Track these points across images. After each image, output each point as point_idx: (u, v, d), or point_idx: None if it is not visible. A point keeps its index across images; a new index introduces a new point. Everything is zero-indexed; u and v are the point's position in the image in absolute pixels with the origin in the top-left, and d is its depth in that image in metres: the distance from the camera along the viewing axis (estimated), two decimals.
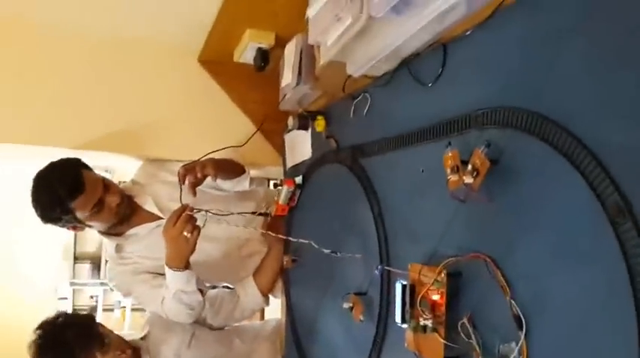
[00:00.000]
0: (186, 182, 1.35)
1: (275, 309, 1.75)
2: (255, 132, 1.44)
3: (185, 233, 1.22)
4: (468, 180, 0.76)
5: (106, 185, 1.41)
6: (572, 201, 0.64)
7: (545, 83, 0.68)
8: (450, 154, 0.80)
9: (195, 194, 1.36)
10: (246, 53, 1.48)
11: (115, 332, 1.49)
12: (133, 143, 1.59)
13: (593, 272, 0.61)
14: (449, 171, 0.80)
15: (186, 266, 1.30)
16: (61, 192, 1.33)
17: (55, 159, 1.40)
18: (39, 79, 1.51)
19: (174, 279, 1.32)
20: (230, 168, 1.51)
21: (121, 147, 1.58)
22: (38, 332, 1.33)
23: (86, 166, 1.42)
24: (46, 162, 1.38)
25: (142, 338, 1.50)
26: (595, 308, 0.61)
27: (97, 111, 1.56)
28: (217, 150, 1.35)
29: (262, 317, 2.38)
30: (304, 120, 1.27)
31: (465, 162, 0.78)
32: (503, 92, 0.75)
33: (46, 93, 1.52)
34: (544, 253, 0.68)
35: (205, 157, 1.37)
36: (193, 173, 1.34)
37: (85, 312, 1.54)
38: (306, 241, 1.04)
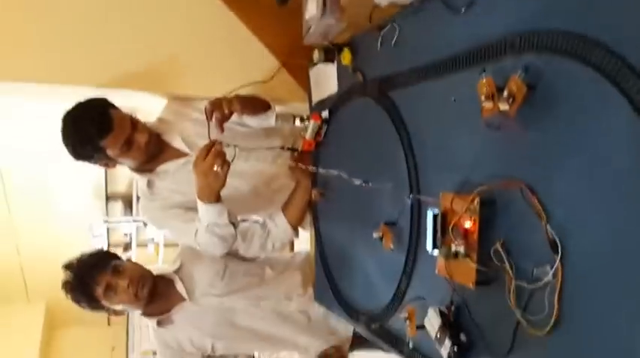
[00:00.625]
0: (214, 118, 1.35)
1: (304, 242, 1.81)
2: (279, 68, 1.41)
3: (215, 167, 1.24)
4: (504, 106, 0.75)
5: (134, 123, 1.43)
6: (614, 124, 0.63)
7: (589, 3, 0.65)
8: (484, 81, 0.79)
9: (222, 130, 1.37)
10: None
11: (149, 266, 1.57)
12: (157, 81, 1.59)
13: (634, 197, 0.61)
14: (483, 98, 0.79)
15: (218, 199, 1.34)
16: (91, 131, 1.36)
17: (82, 98, 1.41)
18: (62, 17, 1.50)
19: (207, 213, 1.36)
20: (256, 104, 1.51)
21: (145, 85, 1.58)
22: (64, 272, 1.47)
23: (113, 105, 1.43)
24: (73, 102, 1.40)
25: (175, 271, 1.58)
26: (634, 232, 0.61)
27: (120, 50, 1.55)
28: (243, 86, 1.34)
29: (292, 249, 2.45)
30: (330, 53, 1.25)
31: (500, 90, 0.77)
32: (543, 15, 0.73)
33: (69, 32, 1.51)
34: (582, 178, 0.67)
35: (231, 93, 1.37)
36: (220, 109, 1.35)
37: (115, 251, 1.63)
38: (336, 172, 1.04)
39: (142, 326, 3.62)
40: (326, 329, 1.60)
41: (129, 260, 1.57)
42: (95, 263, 1.48)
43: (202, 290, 1.55)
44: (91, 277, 1.44)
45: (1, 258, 4.45)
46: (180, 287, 1.54)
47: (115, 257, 1.54)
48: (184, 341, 1.55)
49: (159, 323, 1.54)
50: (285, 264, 1.71)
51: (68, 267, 1.48)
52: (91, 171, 4.27)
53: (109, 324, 4.68)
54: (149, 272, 1.55)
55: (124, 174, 4.46)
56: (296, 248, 2.24)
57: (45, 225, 4.60)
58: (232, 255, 1.63)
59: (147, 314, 1.56)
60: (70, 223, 4.72)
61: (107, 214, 4.56)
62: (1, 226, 4.39)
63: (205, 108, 1.36)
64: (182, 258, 1.61)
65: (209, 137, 1.30)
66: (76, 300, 1.48)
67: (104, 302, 1.47)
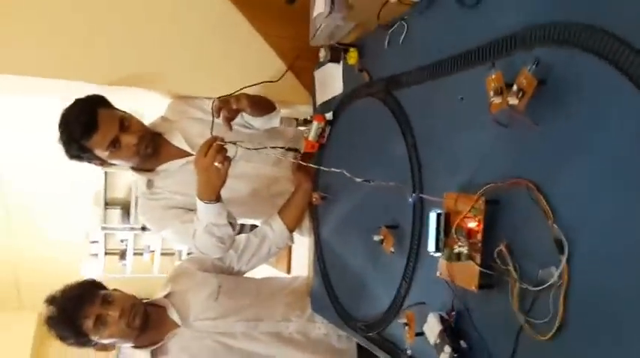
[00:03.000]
0: (221, 116, 1.34)
1: (302, 266, 1.76)
2: (287, 69, 1.40)
3: (216, 163, 1.21)
4: (513, 101, 0.73)
5: (125, 124, 1.40)
6: (627, 117, 0.60)
7: None
8: (493, 76, 0.77)
9: (231, 128, 1.35)
10: None
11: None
12: (163, 80, 1.57)
13: None
14: (492, 93, 0.77)
15: (218, 198, 1.31)
16: (75, 130, 1.35)
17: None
18: (71, 13, 1.49)
19: (206, 212, 1.33)
20: (263, 104, 1.49)
21: (151, 84, 1.57)
22: (46, 307, 1.37)
23: (106, 104, 1.42)
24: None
25: (165, 297, 1.49)
26: None
27: (128, 48, 1.53)
28: (251, 85, 1.33)
29: (289, 269, 2.36)
30: (336, 52, 1.23)
31: (509, 86, 0.75)
32: (555, 7, 0.71)
33: (77, 29, 1.50)
34: (592, 175, 0.65)
35: (239, 92, 1.36)
36: (228, 106, 1.33)
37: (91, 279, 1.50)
38: (338, 170, 1.02)
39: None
40: (328, 348, 1.52)
41: (115, 289, 1.45)
42: (82, 294, 1.37)
43: (196, 315, 1.45)
44: (79, 310, 1.33)
45: None
46: (173, 313, 1.44)
47: (102, 286, 1.44)
48: None
49: (153, 355, 1.43)
50: (283, 284, 1.65)
51: (51, 301, 1.36)
52: (91, 177, 4.26)
53: None
54: (140, 300, 1.45)
55: (123, 181, 4.44)
56: (294, 272, 2.16)
57: (42, 232, 4.57)
58: (226, 272, 1.59)
59: (138, 346, 1.45)
60: (68, 230, 4.68)
61: (105, 221, 4.51)
62: None
63: (213, 105, 1.34)
64: (172, 282, 1.54)
65: (211, 133, 1.28)
66: (62, 337, 1.37)
67: (93, 337, 1.36)
